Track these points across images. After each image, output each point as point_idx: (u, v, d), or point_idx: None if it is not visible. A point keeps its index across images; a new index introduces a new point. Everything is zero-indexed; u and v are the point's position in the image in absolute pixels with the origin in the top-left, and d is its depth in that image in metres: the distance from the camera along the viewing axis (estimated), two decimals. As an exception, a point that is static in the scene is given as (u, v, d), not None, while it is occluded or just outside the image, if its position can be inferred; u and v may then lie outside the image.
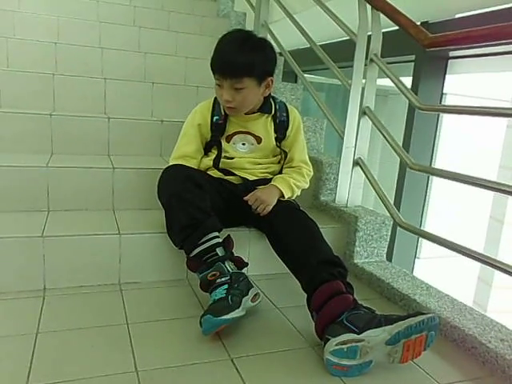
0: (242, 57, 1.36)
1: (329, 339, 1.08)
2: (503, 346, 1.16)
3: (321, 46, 2.15)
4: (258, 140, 1.54)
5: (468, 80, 3.90)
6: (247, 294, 1.23)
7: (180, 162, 1.49)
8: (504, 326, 1.26)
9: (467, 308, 1.36)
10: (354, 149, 1.81)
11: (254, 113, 1.52)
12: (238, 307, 1.15)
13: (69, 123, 1.85)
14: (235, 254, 1.35)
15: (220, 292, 1.19)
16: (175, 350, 1.11)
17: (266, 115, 1.55)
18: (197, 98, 2.30)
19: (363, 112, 1.76)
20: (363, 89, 1.76)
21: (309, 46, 2.21)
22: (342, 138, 1.82)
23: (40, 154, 1.77)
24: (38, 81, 2.04)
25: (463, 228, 4.97)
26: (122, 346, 1.11)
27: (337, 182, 1.86)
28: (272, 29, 2.81)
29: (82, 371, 1.00)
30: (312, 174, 1.66)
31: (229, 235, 1.37)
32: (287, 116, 1.57)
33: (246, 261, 1.36)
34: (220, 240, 1.32)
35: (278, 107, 1.56)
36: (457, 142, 4.77)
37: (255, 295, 1.27)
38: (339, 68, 1.95)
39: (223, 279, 1.22)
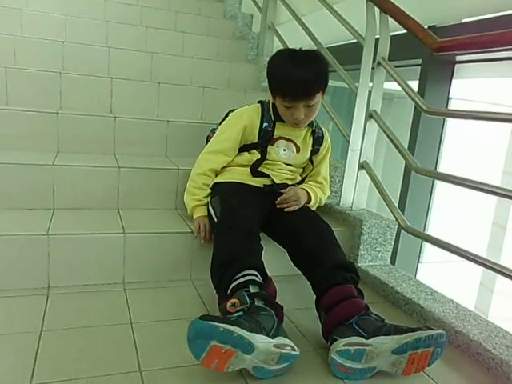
0: (312, 75, 1.38)
1: (336, 339, 1.08)
2: (508, 352, 1.15)
3: (328, 48, 2.15)
4: (298, 149, 1.58)
5: (474, 85, 3.88)
6: (271, 337, 1.00)
7: (213, 158, 1.53)
8: (508, 333, 1.25)
9: (471, 314, 1.36)
10: (359, 152, 1.80)
11: None
12: (241, 328, 0.95)
13: (75, 122, 1.86)
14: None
15: (232, 316, 1.04)
16: (179, 350, 1.09)
17: (308, 128, 1.59)
18: (203, 98, 2.31)
19: (370, 115, 1.76)
20: (370, 92, 1.76)
21: (316, 48, 2.20)
22: (348, 141, 1.82)
23: (46, 153, 1.77)
24: (44, 79, 2.05)
25: (466, 233, 4.95)
26: (126, 345, 1.11)
27: (342, 185, 1.86)
28: (279, 30, 2.82)
29: (85, 370, 1.00)
30: (329, 193, 1.72)
31: (270, 278, 1.22)
32: (322, 134, 1.64)
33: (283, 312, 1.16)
34: (257, 279, 1.15)
35: (316, 124, 1.62)
36: (461, 147, 4.75)
37: (284, 345, 1.01)
38: (346, 71, 1.95)
39: (241, 307, 1.06)
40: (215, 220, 1.42)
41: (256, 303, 1.08)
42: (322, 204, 1.68)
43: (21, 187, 1.56)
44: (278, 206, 1.48)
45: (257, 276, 1.16)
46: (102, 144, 1.90)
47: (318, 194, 1.61)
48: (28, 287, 1.34)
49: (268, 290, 1.15)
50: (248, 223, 1.31)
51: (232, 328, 0.94)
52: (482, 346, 1.18)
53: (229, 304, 1.06)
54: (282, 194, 1.51)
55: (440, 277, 4.24)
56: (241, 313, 1.04)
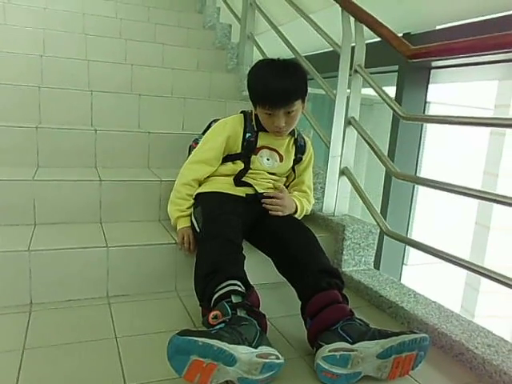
0: (290, 83, 1.42)
1: (322, 345, 1.09)
2: (490, 351, 1.17)
3: (306, 57, 2.18)
4: (281, 158, 1.60)
5: (451, 89, 3.97)
6: (253, 347, 0.99)
7: (196, 167, 1.54)
8: (490, 332, 1.28)
9: (454, 314, 1.38)
10: (340, 158, 1.83)
11: None
12: (221, 340, 0.94)
13: (55, 136, 1.84)
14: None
15: (213, 329, 1.03)
16: (164, 363, 1.08)
17: (290, 137, 1.61)
18: (184, 109, 2.32)
19: (348, 122, 1.79)
20: (348, 99, 1.79)
21: (294, 57, 2.23)
22: (328, 148, 1.84)
23: (26, 167, 1.75)
24: (23, 93, 2.03)
25: (449, 234, 5.02)
26: (111, 360, 1.10)
27: (324, 192, 1.87)
28: (258, 40, 2.84)
29: (70, 387, 0.99)
30: (313, 202, 1.74)
31: (253, 287, 1.21)
32: (304, 143, 1.66)
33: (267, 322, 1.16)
34: (240, 289, 1.14)
35: (298, 133, 1.64)
36: (442, 149, 4.84)
37: (267, 354, 0.99)
38: (324, 78, 1.97)
39: (222, 319, 1.05)
40: (198, 231, 1.42)
41: (238, 313, 1.07)
42: (308, 213, 1.69)
43: (0, 203, 1.54)
44: (263, 205, 1.51)
45: (239, 286, 1.15)
46: (83, 157, 1.88)
47: (304, 205, 1.63)
48: (9, 305, 1.32)
49: (251, 299, 1.14)
50: (230, 233, 1.31)
51: (211, 341, 0.93)
52: (465, 346, 1.20)
53: (211, 316, 1.06)
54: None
55: (426, 278, 4.30)
56: (222, 325, 1.03)
